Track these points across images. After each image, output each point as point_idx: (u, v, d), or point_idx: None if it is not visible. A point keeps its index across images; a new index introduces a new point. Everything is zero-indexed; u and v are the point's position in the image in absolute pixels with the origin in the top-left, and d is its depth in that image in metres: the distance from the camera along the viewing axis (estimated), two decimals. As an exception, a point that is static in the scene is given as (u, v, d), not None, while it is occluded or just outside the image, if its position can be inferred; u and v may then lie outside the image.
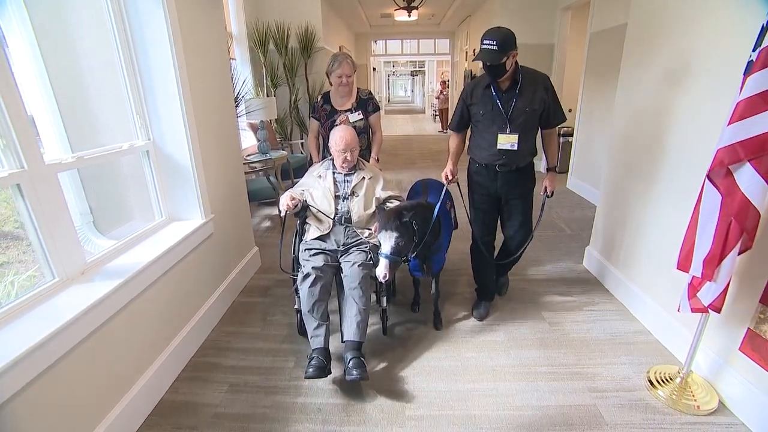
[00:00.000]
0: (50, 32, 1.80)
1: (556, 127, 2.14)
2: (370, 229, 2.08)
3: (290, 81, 5.49)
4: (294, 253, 2.16)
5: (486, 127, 2.06)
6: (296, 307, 2.14)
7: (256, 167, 4.13)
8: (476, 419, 1.70)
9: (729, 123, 1.35)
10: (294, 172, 5.07)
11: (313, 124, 2.71)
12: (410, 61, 19.68)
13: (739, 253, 1.46)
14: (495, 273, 2.43)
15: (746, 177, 1.35)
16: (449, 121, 2.19)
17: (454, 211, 2.38)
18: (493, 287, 2.46)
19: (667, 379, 1.83)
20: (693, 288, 1.61)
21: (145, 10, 1.89)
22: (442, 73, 14.24)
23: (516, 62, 1.93)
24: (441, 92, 11.86)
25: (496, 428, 1.65)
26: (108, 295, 1.52)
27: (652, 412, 1.71)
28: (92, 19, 1.90)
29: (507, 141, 2.00)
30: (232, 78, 3.12)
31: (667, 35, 2.09)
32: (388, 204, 2.15)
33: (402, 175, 6.20)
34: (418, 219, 1.91)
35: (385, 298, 2.15)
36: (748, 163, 1.33)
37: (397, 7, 6.21)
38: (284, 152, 4.70)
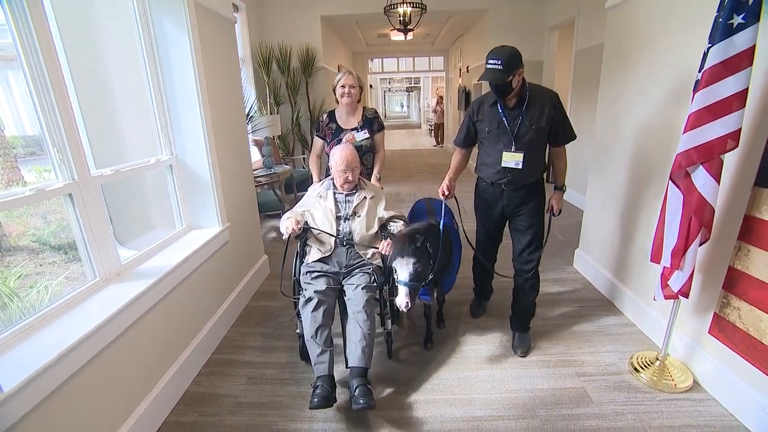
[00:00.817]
0: (80, 51, 1.99)
1: (565, 146, 2.07)
2: (376, 248, 2.02)
3: (292, 99, 5.75)
4: (294, 276, 2.10)
5: (491, 144, 2.03)
6: (298, 331, 2.11)
7: (261, 181, 4.34)
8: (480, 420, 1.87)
9: (684, 132, 1.57)
10: (297, 186, 5.29)
11: (317, 143, 2.65)
12: (406, 78, 20.16)
13: (700, 244, 1.67)
14: (492, 278, 2.48)
15: (701, 178, 1.56)
16: (455, 137, 2.21)
17: (463, 230, 2.33)
18: (489, 289, 2.57)
19: (647, 363, 2.01)
20: (664, 278, 1.81)
21: (172, 37, 2.13)
22: (438, 89, 14.68)
23: (523, 79, 1.91)
24: (437, 106, 12.21)
25: (492, 408, 1.82)
26: (142, 293, 1.70)
27: (634, 392, 1.89)
28: (121, 41, 2.13)
29: (512, 159, 1.96)
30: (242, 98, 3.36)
31: (638, 53, 2.33)
32: (391, 224, 2.10)
33: (400, 188, 6.43)
34: (432, 240, 1.87)
35: (390, 321, 2.12)
36: (701, 166, 1.55)
37: (393, 28, 6.54)
38: (288, 167, 4.92)
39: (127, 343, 1.62)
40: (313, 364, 1.81)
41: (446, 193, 2.11)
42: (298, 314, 1.99)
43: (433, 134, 12.79)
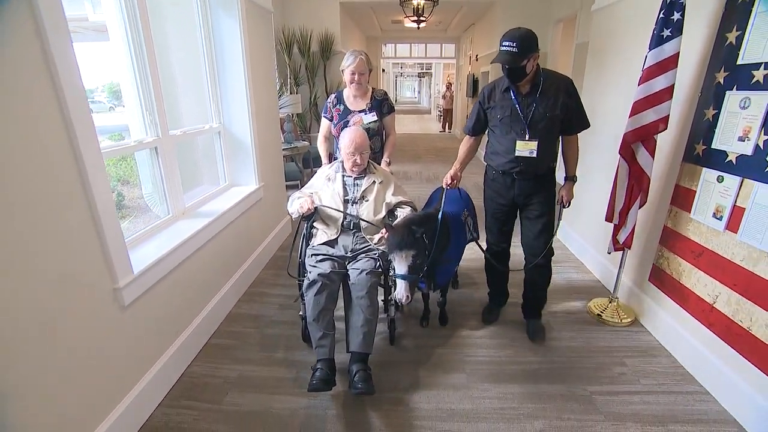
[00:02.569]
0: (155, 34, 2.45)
1: (578, 134, 2.01)
2: (384, 228, 1.97)
3: (311, 80, 6.18)
4: (300, 258, 2.08)
5: (503, 132, 1.94)
6: (301, 313, 2.12)
7: (283, 154, 4.82)
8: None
9: (629, 116, 2.02)
10: (313, 161, 5.77)
11: (324, 124, 2.57)
12: (418, 64, 20.34)
13: (640, 207, 2.13)
14: (507, 280, 2.38)
15: (641, 153, 2.02)
16: (465, 125, 2.16)
17: (473, 222, 2.28)
18: (504, 293, 2.42)
19: (602, 306, 2.49)
20: (614, 234, 2.28)
21: (225, 24, 2.59)
22: (449, 76, 14.93)
23: (537, 65, 1.82)
24: (446, 92, 12.52)
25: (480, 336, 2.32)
26: (204, 227, 2.20)
27: (588, 325, 2.38)
28: (180, 26, 2.58)
29: (526, 148, 1.88)
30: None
31: (614, 51, 2.75)
32: (398, 210, 2.08)
33: (407, 167, 6.89)
34: (428, 232, 1.86)
35: (393, 307, 2.12)
36: (641, 144, 2.01)
37: (407, 16, 6.89)
38: (306, 143, 5.40)
39: (194, 263, 2.13)
40: (314, 347, 1.82)
41: (449, 182, 2.08)
42: (302, 296, 1.98)
43: (441, 120, 13.14)
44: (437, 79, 19.79)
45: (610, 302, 2.46)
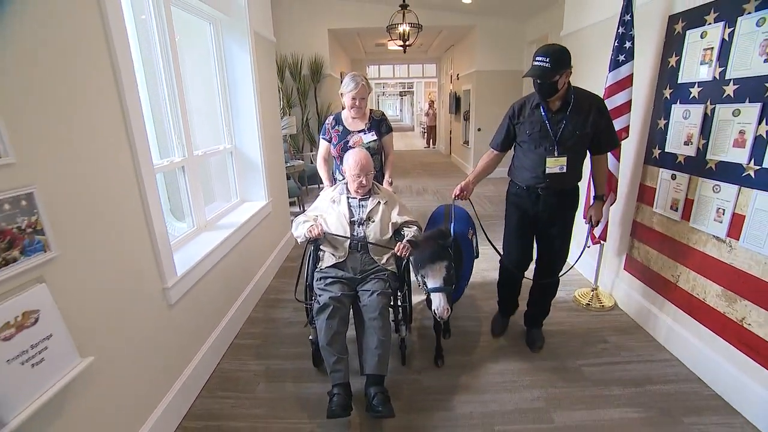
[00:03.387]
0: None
1: (607, 153, 2.03)
2: (391, 249, 1.95)
3: (302, 103, 6.50)
4: (307, 281, 2.06)
5: (532, 148, 1.93)
6: (311, 338, 2.09)
7: (281, 172, 5.08)
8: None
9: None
10: (308, 179, 6.04)
11: (323, 146, 2.57)
12: (399, 83, 21.00)
13: (611, 204, 2.46)
14: (519, 291, 2.38)
15: (609, 157, 2.35)
16: (491, 139, 2.13)
17: (477, 239, 2.29)
18: (514, 304, 2.43)
19: (587, 296, 2.79)
20: (591, 229, 2.60)
21: (238, 57, 2.87)
22: (430, 94, 15.52)
23: (568, 82, 1.82)
24: (429, 110, 13.03)
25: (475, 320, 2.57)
26: (226, 238, 2.43)
27: (573, 311, 2.67)
28: (198, 59, 2.86)
29: (556, 164, 1.87)
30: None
31: (580, 72, 3.13)
32: (405, 229, 2.06)
33: (397, 182, 7.16)
34: (448, 246, 1.87)
35: (404, 327, 2.11)
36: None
37: (390, 39, 7.37)
38: (301, 162, 5.67)
39: (219, 271, 2.35)
40: (329, 372, 1.78)
41: (458, 194, 2.07)
42: (311, 321, 1.98)
43: (425, 136, 13.62)
44: (419, 97, 20.43)
45: (592, 291, 2.76)
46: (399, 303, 2.10)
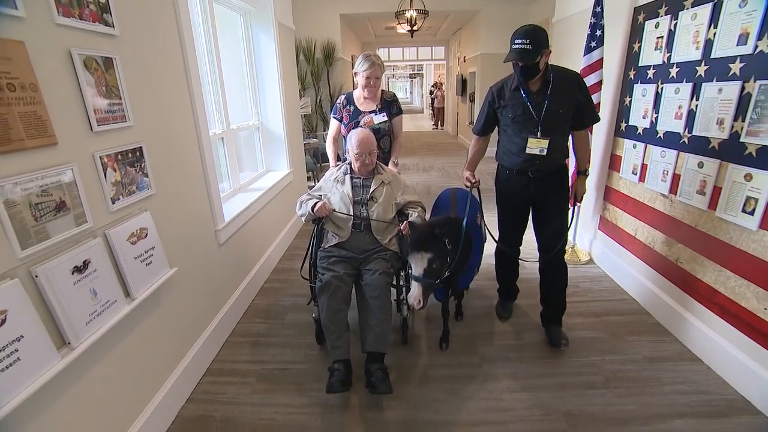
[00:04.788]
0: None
1: (588, 128, 2.01)
2: (395, 224, 2.01)
3: (316, 85, 6.88)
4: (311, 260, 2.11)
5: (516, 131, 1.93)
6: (314, 316, 2.17)
7: (298, 149, 5.52)
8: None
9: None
10: (322, 156, 6.47)
11: (333, 125, 2.58)
12: (409, 65, 21.09)
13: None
14: (518, 274, 2.43)
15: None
16: (474, 126, 2.16)
17: (484, 224, 2.20)
18: (514, 287, 2.47)
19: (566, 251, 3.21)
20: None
21: (264, 44, 3.29)
22: (439, 76, 15.71)
23: (547, 62, 1.82)
24: (437, 91, 13.28)
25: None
26: (258, 198, 2.90)
27: (552, 266, 3.10)
28: (230, 45, 3.28)
29: (537, 145, 1.88)
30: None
31: (567, 55, 3.48)
32: (410, 210, 2.07)
33: (405, 160, 7.60)
34: (451, 236, 1.79)
35: (406, 307, 2.13)
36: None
37: (399, 22, 7.66)
38: (316, 140, 6.10)
39: (251, 226, 2.83)
40: (330, 348, 1.83)
41: (472, 180, 2.07)
42: (314, 299, 2.05)
43: (433, 118, 13.91)
44: (428, 79, 20.54)
45: (570, 248, 3.19)
46: (401, 283, 2.13)
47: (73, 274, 1.20)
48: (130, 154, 1.48)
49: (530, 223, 2.21)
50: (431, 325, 2.40)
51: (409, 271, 1.83)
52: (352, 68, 2.72)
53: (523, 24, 1.83)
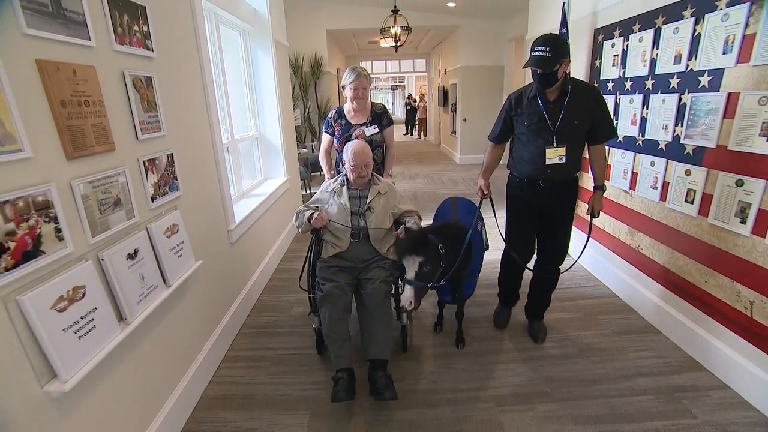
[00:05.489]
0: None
1: (605, 143, 2.00)
2: (392, 231, 2.05)
3: (304, 98, 7.14)
4: (310, 271, 2.16)
5: (531, 139, 1.94)
6: (314, 326, 2.20)
7: (289, 158, 5.74)
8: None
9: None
10: (312, 165, 6.70)
11: (325, 139, 2.64)
12: (391, 77, 21.60)
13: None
14: (520, 283, 2.42)
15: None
16: (490, 132, 2.17)
17: (485, 231, 2.28)
18: (515, 295, 2.47)
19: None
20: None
21: (262, 60, 3.54)
22: (421, 87, 16.20)
23: (566, 72, 1.84)
24: (420, 103, 13.72)
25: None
26: (261, 203, 3.12)
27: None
28: (232, 61, 3.52)
29: (555, 155, 1.88)
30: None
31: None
32: (406, 218, 2.13)
33: (392, 169, 7.88)
34: (446, 242, 1.84)
35: (405, 315, 2.15)
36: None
37: (383, 37, 8.03)
38: (306, 150, 6.33)
39: (256, 229, 3.04)
40: (333, 358, 1.85)
41: (485, 192, 2.11)
42: (314, 310, 2.09)
43: (416, 129, 14.33)
44: (410, 90, 21.08)
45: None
46: (400, 291, 2.12)
47: (127, 260, 1.41)
48: (164, 159, 1.70)
49: None
50: (431, 333, 2.43)
51: (403, 274, 1.89)
52: (338, 82, 2.94)
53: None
